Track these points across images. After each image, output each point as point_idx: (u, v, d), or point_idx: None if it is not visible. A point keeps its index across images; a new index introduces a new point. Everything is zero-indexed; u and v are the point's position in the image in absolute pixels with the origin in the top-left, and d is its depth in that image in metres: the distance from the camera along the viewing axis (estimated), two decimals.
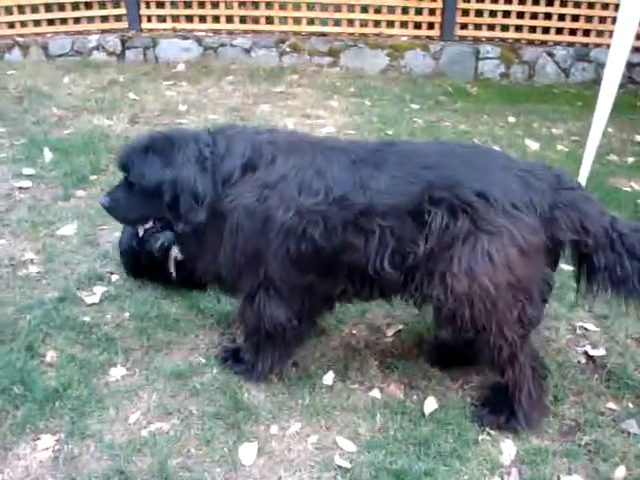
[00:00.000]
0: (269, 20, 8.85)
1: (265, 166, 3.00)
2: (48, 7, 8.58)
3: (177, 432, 3.03)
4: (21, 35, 8.57)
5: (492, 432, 3.08)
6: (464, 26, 8.80)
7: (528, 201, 2.82)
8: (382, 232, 2.88)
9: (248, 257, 3.04)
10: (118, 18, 8.74)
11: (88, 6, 8.66)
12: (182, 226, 3.07)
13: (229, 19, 8.83)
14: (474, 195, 2.81)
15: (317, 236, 2.92)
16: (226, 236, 3.04)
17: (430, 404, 3.21)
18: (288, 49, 8.67)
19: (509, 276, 2.79)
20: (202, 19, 8.83)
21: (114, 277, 4.11)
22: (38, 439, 2.98)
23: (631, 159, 6.25)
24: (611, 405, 3.28)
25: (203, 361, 3.45)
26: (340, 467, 2.88)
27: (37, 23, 8.62)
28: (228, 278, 3.17)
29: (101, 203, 3.25)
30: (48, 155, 5.64)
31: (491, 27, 8.79)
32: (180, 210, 3.03)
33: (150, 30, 8.77)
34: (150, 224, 3.27)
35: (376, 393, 3.29)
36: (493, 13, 8.70)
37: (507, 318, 2.87)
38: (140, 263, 3.93)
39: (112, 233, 4.54)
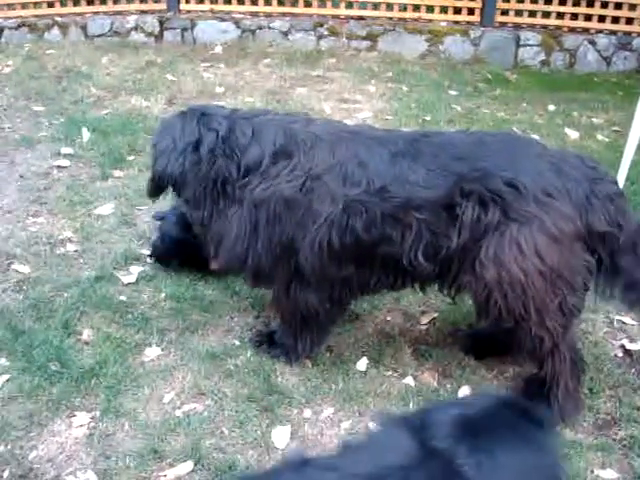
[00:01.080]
0: (307, 3, 8.78)
1: (304, 154, 2.98)
2: None
3: (211, 413, 3.05)
4: (60, 15, 8.58)
5: None
6: (505, 12, 8.65)
7: (562, 188, 2.79)
8: (418, 225, 2.87)
9: (285, 247, 3.04)
10: None
11: None
12: None
13: (267, 1, 8.77)
14: (504, 185, 2.79)
15: (359, 227, 2.91)
16: (261, 226, 3.03)
17: (464, 393, 3.20)
18: (326, 32, 8.60)
19: (540, 264, 2.76)
20: (240, 1, 8.77)
21: (150, 258, 4.12)
22: (73, 416, 3.02)
23: None
24: None
25: (237, 343, 3.47)
26: None
27: (76, 3, 8.63)
28: (263, 268, 3.14)
29: None
30: (86, 135, 5.68)
31: (532, 14, 8.63)
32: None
33: (188, 12, 8.74)
34: None
35: (410, 380, 3.29)
36: None
37: (547, 307, 2.84)
38: (182, 252, 3.90)
39: (149, 214, 4.57)
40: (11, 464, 2.78)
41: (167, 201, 3.73)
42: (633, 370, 3.43)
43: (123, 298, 3.76)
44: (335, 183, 2.92)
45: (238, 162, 3.03)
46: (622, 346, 3.59)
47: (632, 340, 3.62)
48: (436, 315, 3.75)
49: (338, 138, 3.03)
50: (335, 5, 8.78)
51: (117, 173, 5.16)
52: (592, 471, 2.86)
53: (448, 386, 3.26)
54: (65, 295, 3.74)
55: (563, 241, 2.78)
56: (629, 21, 8.53)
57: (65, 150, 5.46)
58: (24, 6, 8.53)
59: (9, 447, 2.85)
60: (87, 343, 3.43)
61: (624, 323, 3.76)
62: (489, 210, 2.79)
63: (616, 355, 3.54)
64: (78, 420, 3.00)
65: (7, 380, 3.17)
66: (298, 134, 3.04)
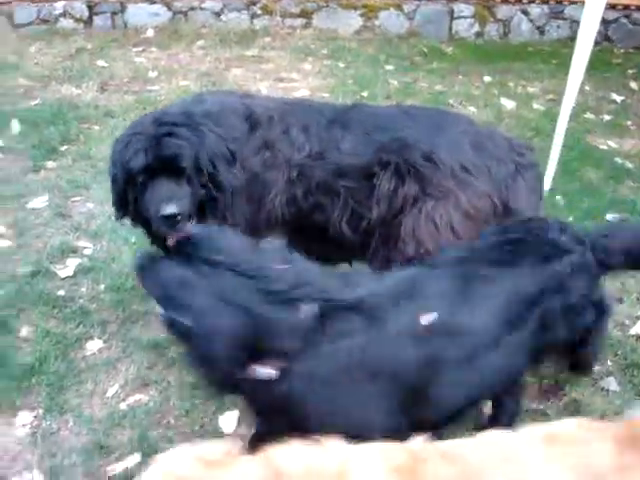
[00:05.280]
0: None
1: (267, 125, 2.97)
2: None
3: (156, 403, 3.01)
4: None
5: None
6: None
7: (481, 164, 2.78)
8: (345, 193, 2.87)
9: None
10: None
11: None
12: None
13: None
14: (421, 157, 2.77)
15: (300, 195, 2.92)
16: None
17: None
18: (259, 11, 8.50)
19: (454, 240, 2.76)
20: None
21: (87, 250, 4.04)
22: (15, 416, 2.94)
23: (607, 117, 6.23)
24: None
25: None
26: None
27: None
28: None
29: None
30: (16, 127, 5.51)
31: None
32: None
33: None
34: None
35: None
36: None
37: None
38: None
39: (84, 204, 4.49)
40: None
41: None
42: None
43: (61, 292, 3.66)
44: (287, 149, 2.92)
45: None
46: None
47: None
48: None
49: (292, 108, 3.05)
50: None
51: (50, 165, 5.03)
52: None
53: None
54: (1, 292, 3.63)
55: (477, 217, 2.78)
56: None
57: None
58: None
59: None
60: (26, 340, 3.34)
61: None
62: (406, 182, 2.79)
63: None
64: (20, 419, 2.93)
65: None
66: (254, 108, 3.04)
